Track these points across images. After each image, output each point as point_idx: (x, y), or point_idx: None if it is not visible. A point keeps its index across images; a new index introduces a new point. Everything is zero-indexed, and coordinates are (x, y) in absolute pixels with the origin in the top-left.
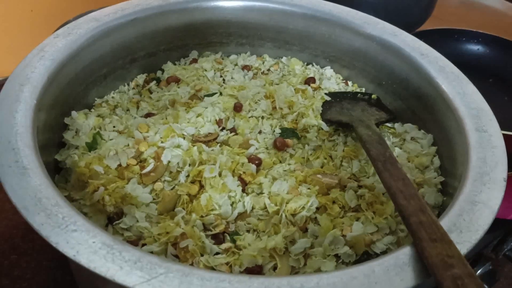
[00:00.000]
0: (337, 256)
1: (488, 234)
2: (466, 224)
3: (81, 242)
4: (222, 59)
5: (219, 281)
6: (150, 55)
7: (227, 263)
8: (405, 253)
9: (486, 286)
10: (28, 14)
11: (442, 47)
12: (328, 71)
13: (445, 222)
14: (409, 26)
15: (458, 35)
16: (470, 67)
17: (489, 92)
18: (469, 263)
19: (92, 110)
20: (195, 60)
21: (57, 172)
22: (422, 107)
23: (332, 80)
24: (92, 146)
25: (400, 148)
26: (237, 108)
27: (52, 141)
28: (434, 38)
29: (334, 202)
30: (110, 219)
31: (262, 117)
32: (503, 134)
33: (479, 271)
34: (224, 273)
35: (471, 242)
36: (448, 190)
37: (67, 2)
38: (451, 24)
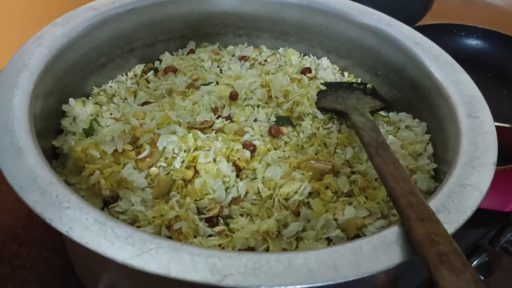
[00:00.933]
0: (328, 239)
1: (485, 226)
2: (455, 205)
3: (74, 218)
4: (220, 50)
5: (208, 257)
6: (148, 45)
7: (219, 245)
8: (393, 232)
9: (481, 277)
10: (29, 8)
11: (440, 42)
12: (325, 61)
13: (434, 203)
14: (408, 21)
15: (457, 30)
16: (469, 62)
17: (488, 87)
18: (465, 254)
19: (90, 98)
20: (192, 51)
21: (55, 158)
22: (417, 96)
23: (328, 71)
24: (89, 132)
25: (394, 136)
26: (233, 96)
27: (50, 127)
28: (432, 33)
29: (327, 187)
30: (106, 203)
31: (258, 106)
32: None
33: (475, 262)
34: (214, 249)
35: (459, 222)
36: (441, 177)
37: None
38: (451, 19)
